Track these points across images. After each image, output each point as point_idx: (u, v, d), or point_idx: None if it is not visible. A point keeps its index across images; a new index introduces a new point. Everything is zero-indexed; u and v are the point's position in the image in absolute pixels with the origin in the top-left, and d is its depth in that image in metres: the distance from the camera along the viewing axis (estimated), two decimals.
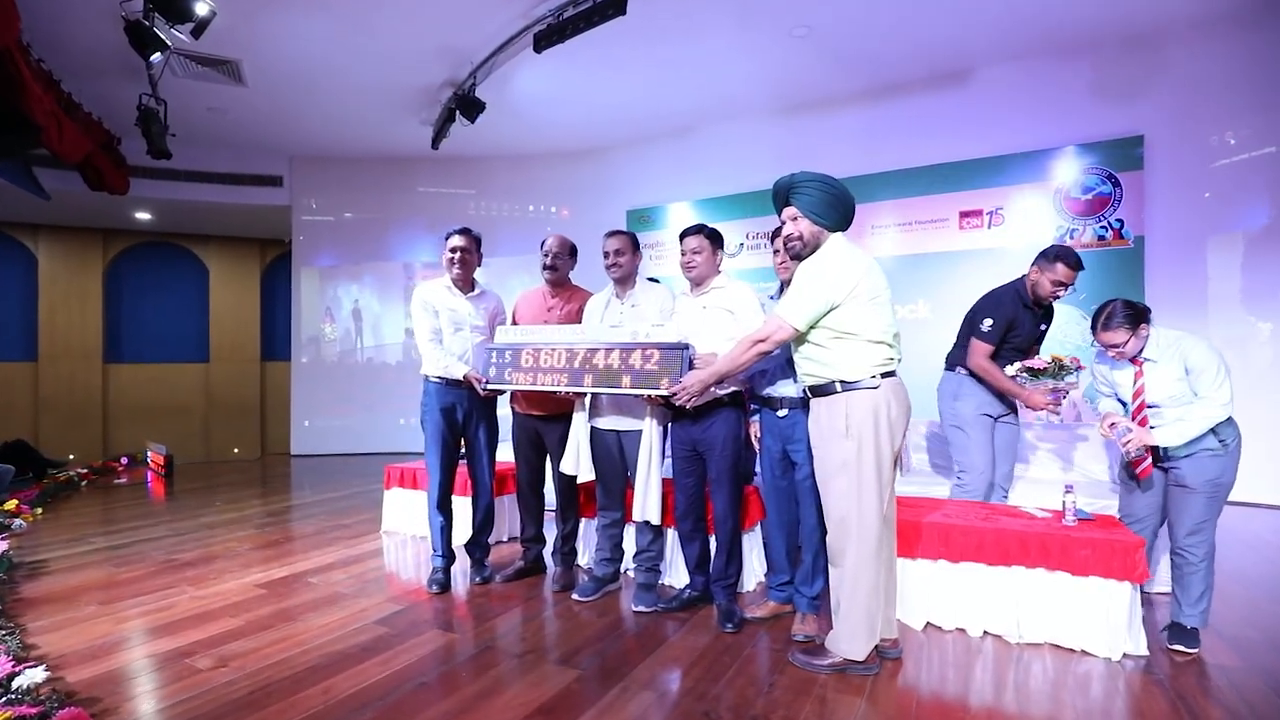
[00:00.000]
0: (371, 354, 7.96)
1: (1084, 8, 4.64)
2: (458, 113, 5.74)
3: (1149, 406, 2.36)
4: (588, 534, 3.34)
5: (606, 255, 2.85)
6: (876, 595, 2.13)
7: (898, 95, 5.79)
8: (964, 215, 5.57)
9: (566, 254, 3.08)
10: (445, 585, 2.99)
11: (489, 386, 2.86)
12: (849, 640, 2.13)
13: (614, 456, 2.85)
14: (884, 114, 5.88)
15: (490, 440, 3.17)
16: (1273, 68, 4.50)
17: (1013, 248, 5.36)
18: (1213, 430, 2.26)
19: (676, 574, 3.04)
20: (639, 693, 2.04)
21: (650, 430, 2.68)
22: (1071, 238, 5.13)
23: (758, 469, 2.92)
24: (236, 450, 8.75)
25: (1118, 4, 4.59)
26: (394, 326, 7.93)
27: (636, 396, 2.59)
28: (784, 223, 2.26)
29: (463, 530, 3.25)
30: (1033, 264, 2.94)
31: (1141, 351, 2.35)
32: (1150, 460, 2.41)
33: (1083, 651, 2.31)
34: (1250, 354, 4.57)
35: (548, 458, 3.16)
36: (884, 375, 2.12)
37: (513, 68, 5.58)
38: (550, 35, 4.57)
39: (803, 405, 2.46)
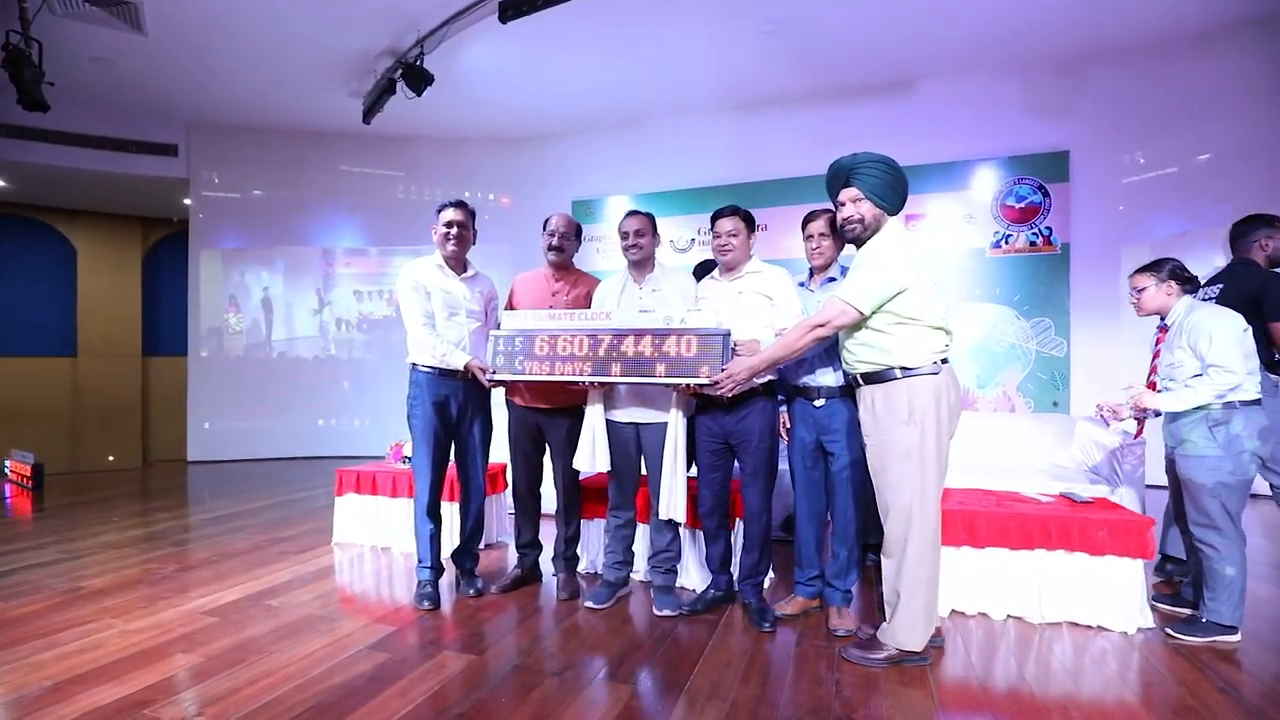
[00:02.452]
0: (284, 347, 7.16)
1: (1016, 30, 4.99)
2: (401, 85, 5.26)
3: (1153, 373, 2.46)
4: (587, 537, 3.12)
5: (625, 236, 2.66)
6: (935, 585, 2.11)
7: (850, 99, 5.97)
8: (909, 218, 5.83)
9: (573, 234, 2.86)
10: (436, 601, 2.67)
11: (495, 377, 2.58)
12: (907, 632, 2.09)
13: (630, 452, 2.66)
14: (836, 116, 6.04)
15: (485, 437, 2.88)
16: (1174, 96, 5.05)
17: (952, 251, 5.68)
18: (1208, 422, 2.27)
19: (686, 575, 2.90)
20: (707, 703, 1.88)
21: (676, 422, 2.52)
22: (1006, 243, 5.52)
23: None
24: (112, 458, 7.58)
25: (1047, 27, 4.97)
26: (312, 317, 7.18)
27: (672, 387, 2.42)
28: (841, 205, 2.18)
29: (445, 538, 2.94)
30: (1254, 237, 2.79)
31: (1166, 318, 2.45)
32: (1139, 426, 2.48)
33: (1099, 627, 2.42)
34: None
35: (545, 456, 2.92)
36: (942, 361, 2.10)
37: (463, 40, 5.19)
38: (519, 4, 4.27)
39: (841, 394, 2.41)
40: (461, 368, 2.64)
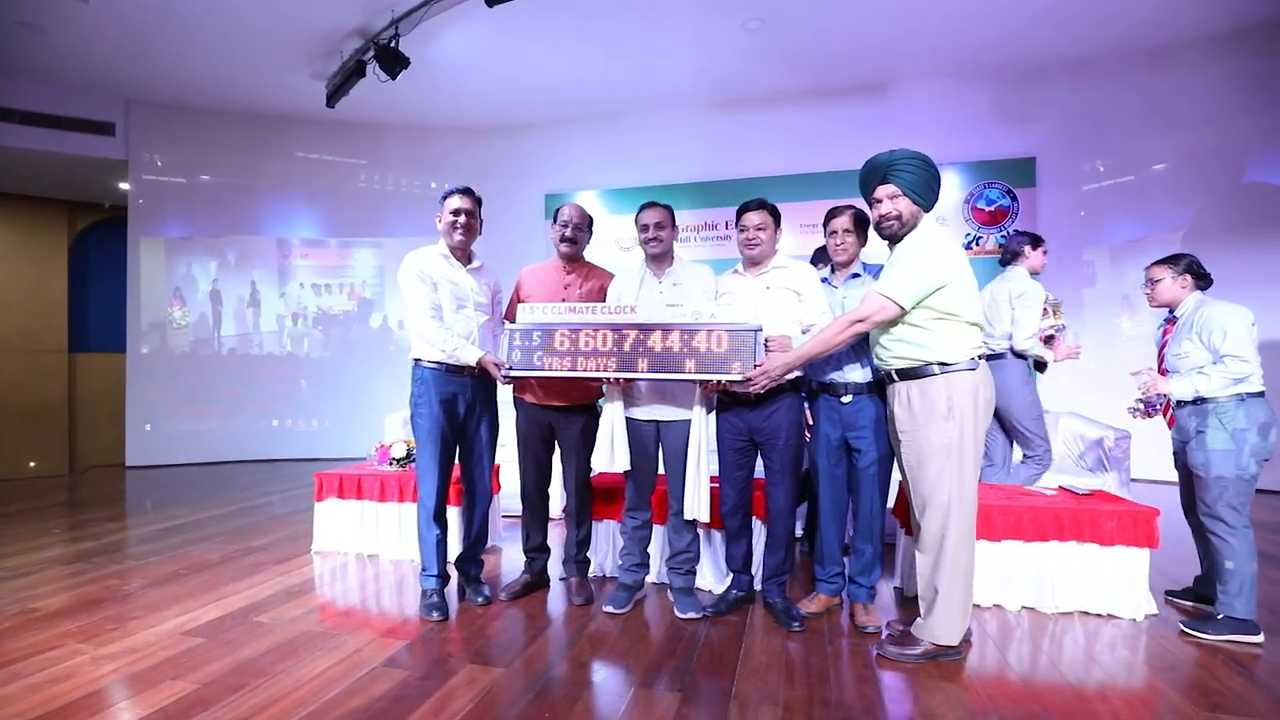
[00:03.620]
0: (235, 343, 6.71)
1: (988, 39, 5.17)
2: (375, 67, 5.00)
3: (1163, 363, 2.51)
4: (594, 538, 3.01)
5: (645, 229, 2.57)
6: (971, 580, 2.12)
7: (828, 99, 6.05)
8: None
9: (586, 225, 2.74)
10: (446, 611, 2.51)
11: (513, 373, 2.44)
12: (945, 627, 2.09)
13: (650, 451, 2.59)
14: (814, 117, 6.12)
15: (493, 437, 2.74)
16: (1133, 108, 5.33)
17: None
18: (1215, 415, 2.30)
19: (700, 575, 2.84)
20: (759, 707, 1.82)
21: (700, 420, 2.46)
22: (977, 244, 5.71)
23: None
24: (34, 463, 6.93)
25: (1016, 38, 5.16)
26: (265, 311, 6.76)
27: (703, 383, 2.35)
28: (878, 201, 2.17)
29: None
30: None
31: (1176, 310, 2.50)
32: (1171, 412, 2.49)
33: (1109, 615, 2.49)
34: (1116, 350, 5.39)
35: (554, 456, 2.81)
36: (978, 357, 2.11)
37: (441, 24, 4.98)
38: None
39: (868, 391, 2.39)
40: (474, 363, 2.49)
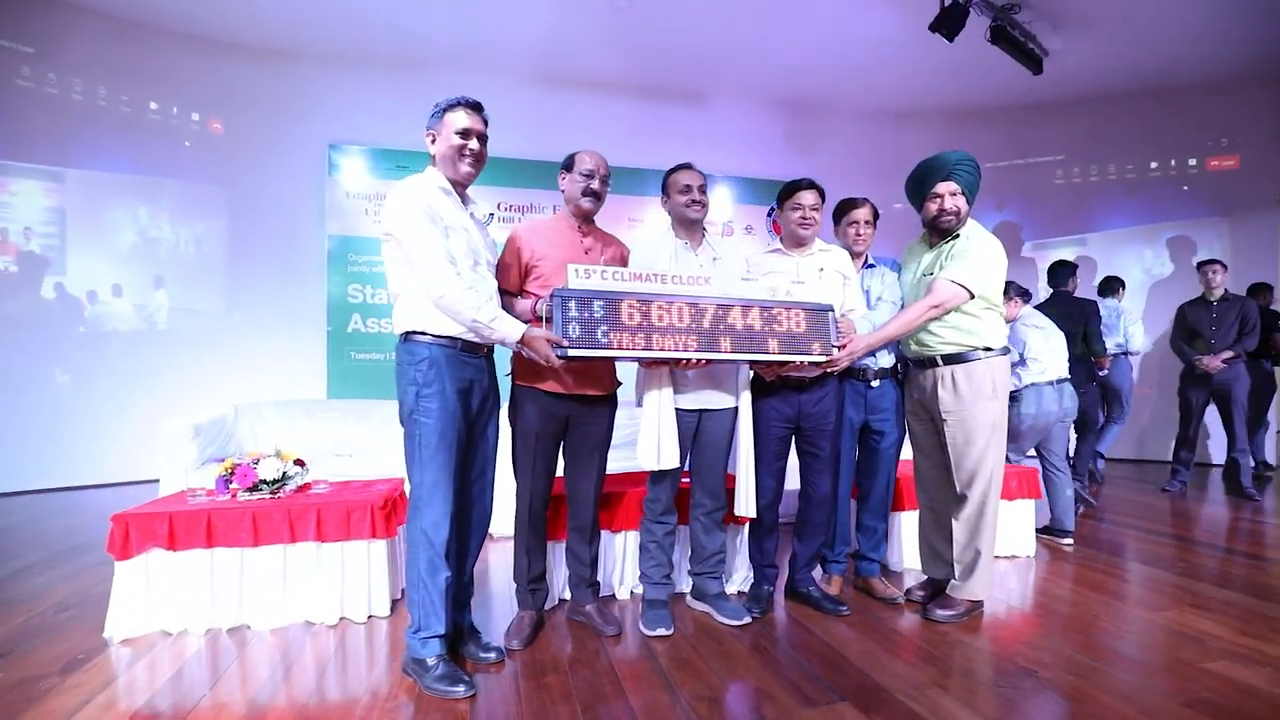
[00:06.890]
0: None
1: (786, 75, 5.99)
2: None
3: None
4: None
5: (687, 190, 2.29)
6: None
7: (654, 99, 6.16)
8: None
9: (608, 179, 2.29)
10: (469, 681, 1.81)
11: (574, 352, 1.89)
12: (983, 584, 2.33)
13: (686, 445, 2.29)
14: (639, 113, 6.15)
15: (497, 440, 2.09)
16: (880, 155, 6.69)
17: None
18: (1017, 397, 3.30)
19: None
20: (925, 693, 1.77)
21: (747, 406, 2.29)
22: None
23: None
24: None
25: (804, 81, 6.09)
26: None
27: (778, 365, 2.18)
28: (938, 196, 2.30)
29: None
30: (1067, 274, 4.33)
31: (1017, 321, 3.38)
32: None
33: (1011, 555, 3.09)
34: None
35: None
36: None
37: None
38: None
39: (892, 375, 2.53)
40: (517, 339, 1.86)
